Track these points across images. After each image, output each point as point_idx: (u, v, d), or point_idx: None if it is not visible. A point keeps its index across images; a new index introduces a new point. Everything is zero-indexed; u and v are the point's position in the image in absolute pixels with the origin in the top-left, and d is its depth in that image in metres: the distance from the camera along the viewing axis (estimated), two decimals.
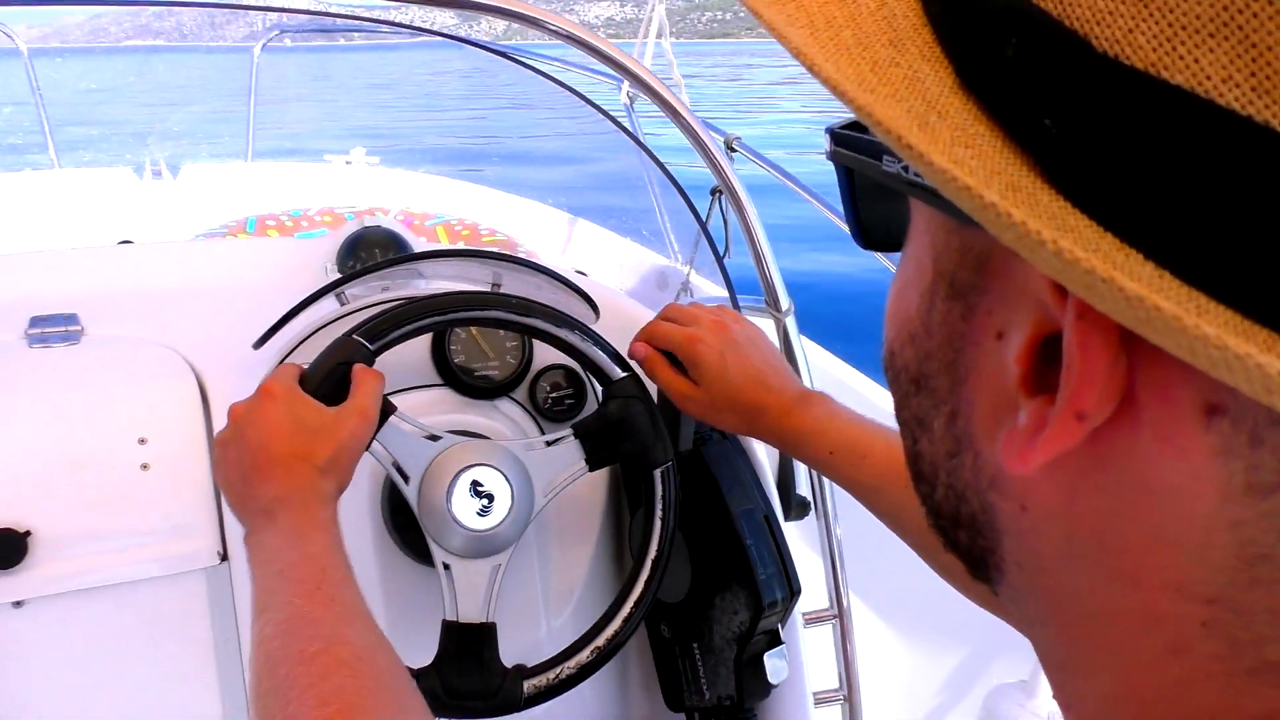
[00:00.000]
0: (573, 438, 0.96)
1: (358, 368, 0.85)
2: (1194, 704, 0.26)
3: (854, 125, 0.34)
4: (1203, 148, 0.21)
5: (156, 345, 1.08)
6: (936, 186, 0.24)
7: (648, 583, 0.95)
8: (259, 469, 0.77)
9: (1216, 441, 0.23)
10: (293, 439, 0.78)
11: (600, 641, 0.93)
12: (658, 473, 0.97)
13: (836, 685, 1.23)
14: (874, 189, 0.35)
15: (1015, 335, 0.27)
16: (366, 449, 0.88)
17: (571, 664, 0.92)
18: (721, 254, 1.46)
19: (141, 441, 1.00)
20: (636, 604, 0.95)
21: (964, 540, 0.31)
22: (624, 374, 0.97)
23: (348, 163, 3.51)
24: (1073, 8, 0.24)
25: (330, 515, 0.76)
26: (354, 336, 0.88)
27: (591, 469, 0.97)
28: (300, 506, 0.75)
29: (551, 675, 0.91)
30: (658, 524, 0.96)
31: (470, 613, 0.91)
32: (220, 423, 1.02)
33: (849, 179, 0.36)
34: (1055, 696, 0.32)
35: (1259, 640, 0.24)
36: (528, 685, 0.91)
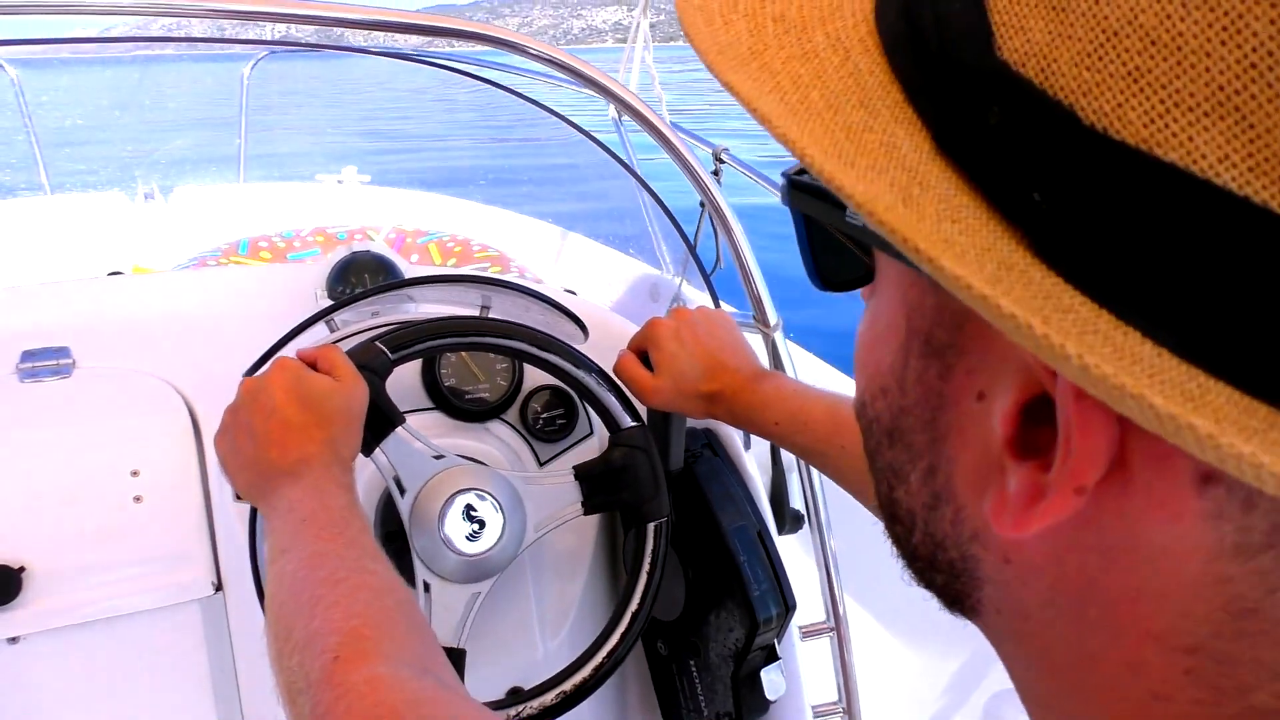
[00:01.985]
0: (572, 478, 0.97)
1: (307, 349, 0.86)
2: None
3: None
4: (1198, 227, 0.21)
5: (148, 376, 1.08)
6: (929, 274, 0.23)
7: (624, 634, 0.94)
8: (273, 434, 0.77)
9: (1209, 506, 0.23)
10: (307, 409, 0.79)
11: (567, 686, 0.92)
12: (651, 526, 0.97)
13: (835, 698, 1.22)
14: (830, 235, 0.35)
15: (999, 398, 0.26)
16: (368, 453, 0.88)
17: (535, 704, 0.90)
18: (713, 267, 1.46)
19: (134, 474, 1.00)
20: (609, 655, 0.94)
21: (940, 582, 0.32)
22: (633, 424, 0.98)
23: (339, 182, 3.51)
24: (1058, 78, 0.23)
25: (349, 479, 0.77)
26: (377, 343, 0.89)
27: (587, 513, 0.97)
28: (320, 469, 0.76)
29: (511, 712, 0.89)
30: (643, 577, 0.96)
31: (443, 635, 0.91)
32: (213, 453, 1.03)
33: (806, 225, 0.36)
34: None
35: (1243, 688, 0.25)
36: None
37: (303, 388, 0.79)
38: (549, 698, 0.91)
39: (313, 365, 0.84)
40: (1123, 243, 0.22)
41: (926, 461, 0.30)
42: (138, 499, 1.00)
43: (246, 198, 3.20)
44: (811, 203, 0.33)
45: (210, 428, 1.05)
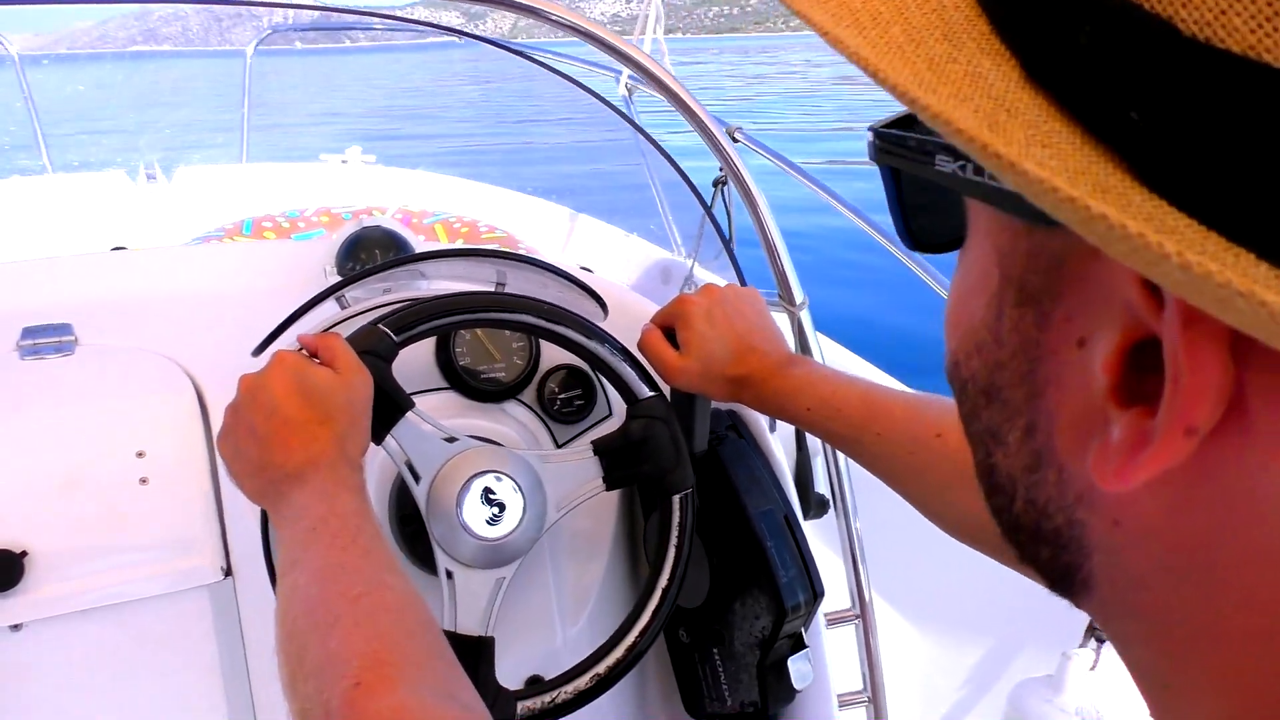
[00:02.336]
0: (591, 454, 0.93)
1: (305, 336, 0.83)
2: None
3: (899, 123, 0.32)
4: None
5: (153, 355, 1.04)
6: (1030, 197, 0.22)
7: (656, 610, 0.92)
8: (276, 434, 0.74)
9: None
10: (310, 404, 0.75)
11: (601, 669, 0.89)
12: (676, 498, 0.94)
13: (860, 686, 1.19)
14: (924, 188, 0.33)
15: (1100, 343, 0.25)
16: (379, 442, 0.85)
17: (569, 689, 0.88)
18: (719, 250, 1.42)
19: (139, 455, 0.97)
20: (642, 633, 0.91)
21: (1045, 555, 0.29)
22: (651, 394, 0.94)
23: (344, 162, 3.47)
24: None
25: (359, 481, 0.74)
26: (380, 326, 0.85)
27: (608, 488, 0.94)
28: (328, 470, 0.73)
29: (546, 699, 0.88)
30: (671, 551, 0.93)
31: (469, 624, 0.87)
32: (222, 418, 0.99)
33: (895, 180, 0.34)
34: (1151, 712, 0.30)
35: None
36: (521, 706, 0.87)
37: (304, 383, 0.76)
38: (583, 681, 0.89)
39: (314, 355, 0.81)
40: (1230, 159, 0.20)
41: (1025, 419, 0.28)
42: (143, 481, 0.96)
43: (250, 177, 3.16)
44: (898, 155, 0.31)
45: (218, 407, 1.01)
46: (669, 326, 0.96)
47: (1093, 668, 1.27)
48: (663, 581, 0.93)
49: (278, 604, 0.66)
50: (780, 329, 0.96)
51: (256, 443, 0.75)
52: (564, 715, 0.88)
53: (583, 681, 0.89)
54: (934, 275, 1.33)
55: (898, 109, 0.30)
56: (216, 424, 1.01)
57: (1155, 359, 0.23)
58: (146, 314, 1.10)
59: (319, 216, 2.70)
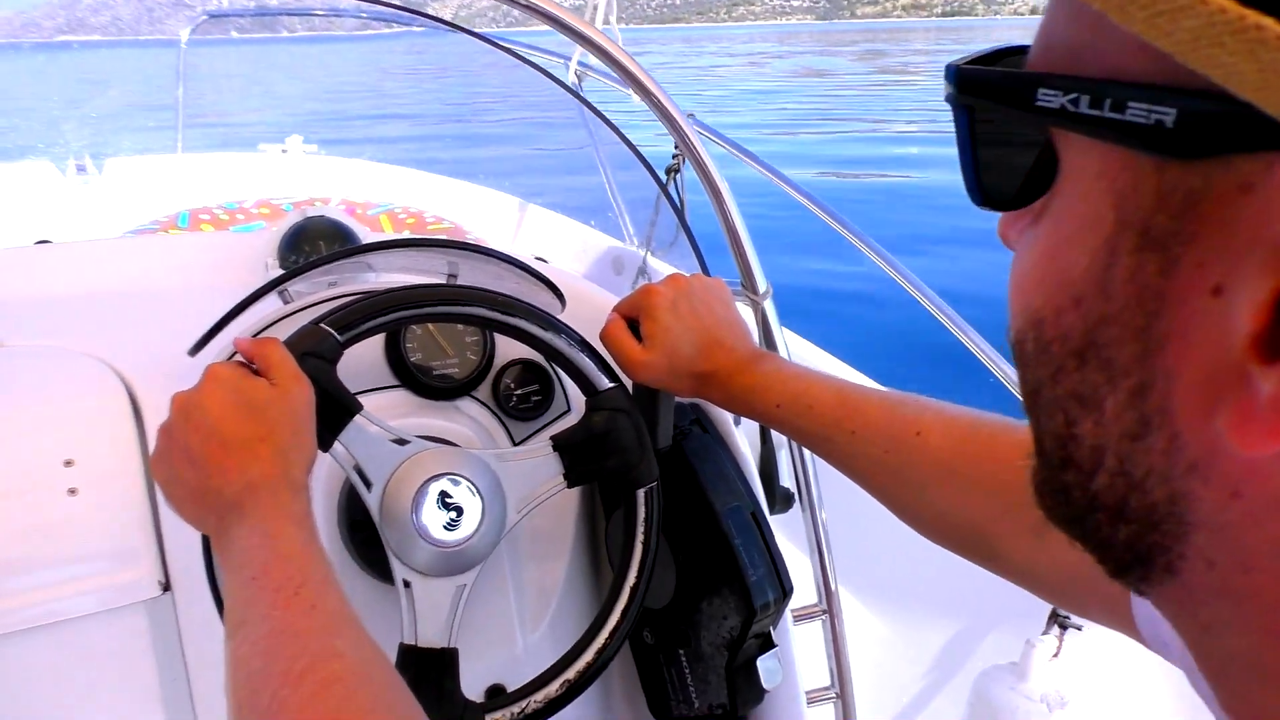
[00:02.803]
0: (551, 450, 0.89)
1: (241, 341, 0.78)
2: None
3: (981, 60, 0.28)
4: None
5: (81, 356, 0.98)
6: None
7: (625, 610, 0.89)
8: (214, 458, 0.69)
9: None
10: (249, 421, 0.70)
11: (571, 674, 0.86)
12: (641, 493, 0.90)
13: (828, 682, 1.17)
14: (1004, 138, 0.29)
15: (1244, 290, 0.22)
16: (326, 449, 0.80)
17: (539, 697, 0.85)
18: (673, 238, 1.39)
19: (68, 464, 0.91)
20: (613, 633, 0.88)
21: (1124, 536, 0.27)
22: (611, 384, 0.90)
23: (284, 151, 3.38)
24: None
25: (304, 507, 0.69)
26: (321, 325, 0.80)
27: (570, 485, 0.90)
28: (269, 497, 0.68)
29: (516, 709, 0.84)
30: (638, 548, 0.90)
31: (430, 636, 0.83)
32: (155, 439, 0.93)
33: (970, 125, 0.30)
34: (1229, 709, 0.28)
35: None
36: (489, 718, 0.83)
37: (240, 398, 0.71)
38: (553, 688, 0.85)
39: (250, 362, 0.76)
40: None
41: (1135, 379, 0.25)
42: (72, 491, 0.90)
43: (185, 168, 3.05)
44: (987, 93, 0.28)
45: (152, 411, 0.95)
46: (632, 318, 0.92)
47: (1056, 655, 1.26)
48: (630, 579, 0.89)
49: (225, 668, 0.61)
50: (747, 324, 0.93)
51: (193, 466, 0.70)
52: None
53: (553, 689, 0.85)
54: (896, 267, 1.31)
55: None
56: (151, 428, 0.95)
57: None
58: (74, 312, 1.04)
59: (259, 208, 2.61)
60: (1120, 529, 0.27)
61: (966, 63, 0.29)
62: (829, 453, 0.82)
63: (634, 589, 0.89)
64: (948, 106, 0.30)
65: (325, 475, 0.96)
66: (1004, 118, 0.28)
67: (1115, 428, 0.26)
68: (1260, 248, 0.21)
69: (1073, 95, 0.24)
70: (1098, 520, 0.27)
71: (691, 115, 1.87)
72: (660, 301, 0.89)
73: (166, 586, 0.92)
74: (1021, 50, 0.28)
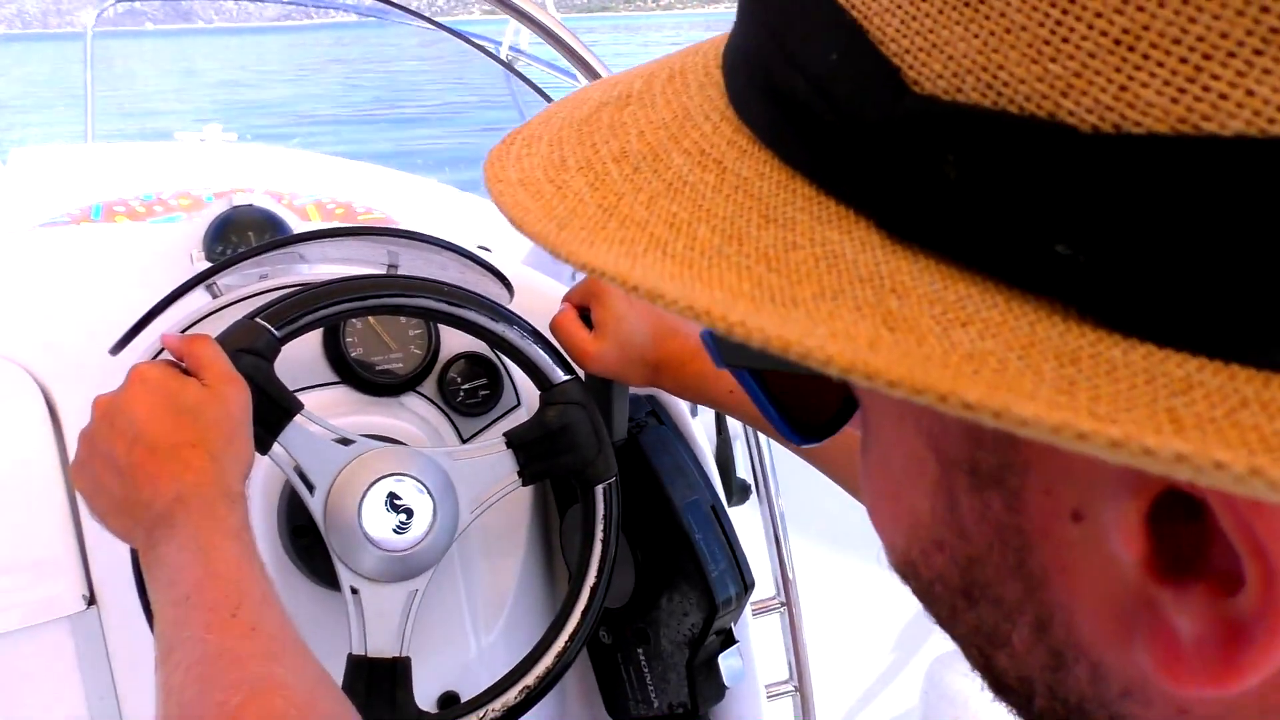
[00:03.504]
0: (504, 447, 0.85)
1: (169, 338, 0.73)
2: None
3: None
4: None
5: None
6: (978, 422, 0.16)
7: (585, 611, 0.85)
8: (141, 467, 0.64)
9: None
10: (179, 426, 0.65)
11: (530, 680, 0.83)
12: (600, 489, 0.87)
13: (786, 676, 1.15)
14: (795, 380, 0.28)
15: (1107, 511, 0.19)
16: (265, 451, 0.75)
17: (497, 705, 0.81)
18: None
19: None
20: (572, 636, 0.85)
21: None
22: (566, 377, 0.86)
23: (202, 140, 3.25)
24: (1017, 89, 0.17)
25: (240, 519, 0.64)
26: (257, 320, 0.75)
27: (525, 483, 0.86)
28: (202, 509, 0.62)
29: (473, 719, 0.80)
30: (597, 546, 0.86)
31: (381, 646, 0.79)
32: (75, 445, 0.87)
33: (759, 379, 0.28)
34: None
35: None
36: None
37: (169, 400, 0.66)
38: (511, 695, 0.81)
39: (180, 360, 0.71)
40: (1219, 260, 0.16)
41: (1030, 615, 0.22)
42: None
43: (97, 158, 2.91)
44: (759, 356, 0.25)
45: (71, 414, 0.89)
46: (583, 306, 0.89)
47: None
48: (590, 579, 0.86)
49: (156, 699, 0.55)
50: None
51: (118, 476, 0.64)
52: None
53: (511, 696, 0.81)
54: None
55: None
56: (70, 432, 0.88)
57: (1184, 508, 0.18)
58: None
59: (178, 199, 2.50)
60: None
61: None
62: (778, 436, 0.80)
63: (594, 589, 0.86)
64: None
65: (264, 478, 0.91)
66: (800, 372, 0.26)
67: (1032, 661, 0.23)
68: (1102, 466, 0.18)
69: None
70: None
71: None
72: (612, 288, 0.86)
73: (91, 600, 0.86)
74: None
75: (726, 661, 0.97)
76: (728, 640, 0.98)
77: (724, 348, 0.27)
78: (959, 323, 0.17)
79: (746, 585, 0.95)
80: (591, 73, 1.01)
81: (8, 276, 1.02)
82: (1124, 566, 0.20)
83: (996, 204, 0.17)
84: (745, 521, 1.15)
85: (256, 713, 0.51)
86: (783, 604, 1.13)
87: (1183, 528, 0.19)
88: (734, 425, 1.09)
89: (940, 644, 1.46)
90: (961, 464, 0.22)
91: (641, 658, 0.99)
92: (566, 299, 0.90)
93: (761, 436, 1.10)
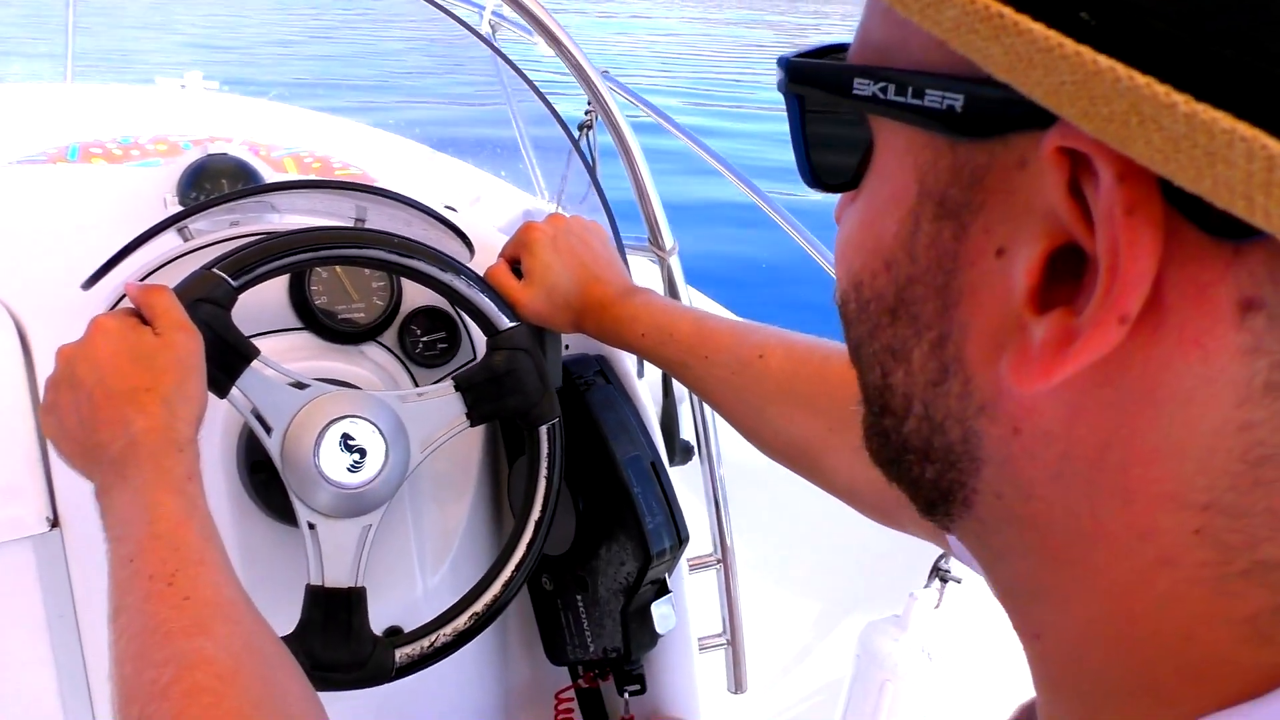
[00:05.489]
0: (453, 390, 0.90)
1: (130, 286, 0.77)
2: (1181, 612, 0.26)
3: (811, 54, 0.32)
4: None
5: None
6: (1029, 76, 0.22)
7: (530, 544, 0.91)
8: (99, 411, 0.69)
9: (1247, 340, 0.23)
10: (133, 372, 0.70)
11: (479, 607, 0.88)
12: (544, 429, 0.92)
13: (719, 629, 1.21)
14: (829, 122, 0.33)
15: (1021, 250, 0.25)
16: (224, 395, 0.80)
17: (448, 630, 0.87)
18: (585, 193, 1.39)
19: None
20: (518, 567, 0.90)
21: (930, 475, 0.30)
22: (512, 324, 0.91)
23: (183, 87, 3.24)
24: None
25: (186, 468, 0.68)
26: (214, 270, 0.79)
27: (473, 424, 0.91)
28: (151, 460, 0.67)
29: (425, 643, 0.86)
30: (541, 483, 0.92)
31: (337, 576, 0.84)
32: (44, 374, 0.91)
33: (800, 113, 0.34)
34: (1017, 629, 0.31)
35: (1253, 542, 0.24)
36: (400, 654, 0.85)
37: (125, 348, 0.71)
38: (461, 621, 0.87)
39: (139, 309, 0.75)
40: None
41: (936, 331, 0.28)
42: None
43: (75, 98, 2.90)
44: (810, 83, 0.32)
45: (41, 345, 0.92)
46: (514, 258, 0.96)
47: (937, 606, 1.33)
48: (535, 514, 0.92)
49: (110, 660, 0.60)
50: (623, 261, 0.99)
51: (79, 421, 0.70)
52: (443, 658, 0.87)
53: (461, 621, 0.87)
54: (802, 232, 1.34)
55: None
56: (40, 363, 0.92)
57: (1070, 266, 0.24)
58: None
59: (155, 145, 2.51)
60: (927, 468, 0.30)
61: (797, 56, 0.32)
62: (687, 378, 0.89)
63: (538, 523, 0.91)
64: None
65: (224, 418, 0.95)
66: (827, 104, 0.32)
67: (921, 376, 0.29)
68: (1033, 215, 0.25)
69: (882, 84, 0.27)
70: (909, 461, 0.31)
71: (606, 71, 1.87)
72: (540, 238, 0.94)
73: (54, 523, 0.90)
74: (844, 47, 0.32)
75: (659, 610, 1.03)
76: (661, 590, 1.04)
77: (791, 73, 0.32)
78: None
79: (681, 538, 1.01)
80: (558, 44, 1.05)
81: None
82: (1015, 295, 0.25)
83: None
84: (687, 482, 1.21)
85: (180, 689, 0.55)
86: (719, 561, 1.19)
87: (1057, 284, 0.25)
88: (680, 390, 1.15)
89: (872, 610, 1.53)
90: (935, 196, 0.27)
91: (580, 604, 1.05)
92: (500, 254, 0.97)
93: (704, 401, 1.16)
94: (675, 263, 1.14)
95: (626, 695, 1.07)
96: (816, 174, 0.34)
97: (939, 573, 1.36)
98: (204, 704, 0.55)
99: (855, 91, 0.28)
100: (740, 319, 0.90)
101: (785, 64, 0.32)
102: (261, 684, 0.58)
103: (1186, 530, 0.25)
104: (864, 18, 0.30)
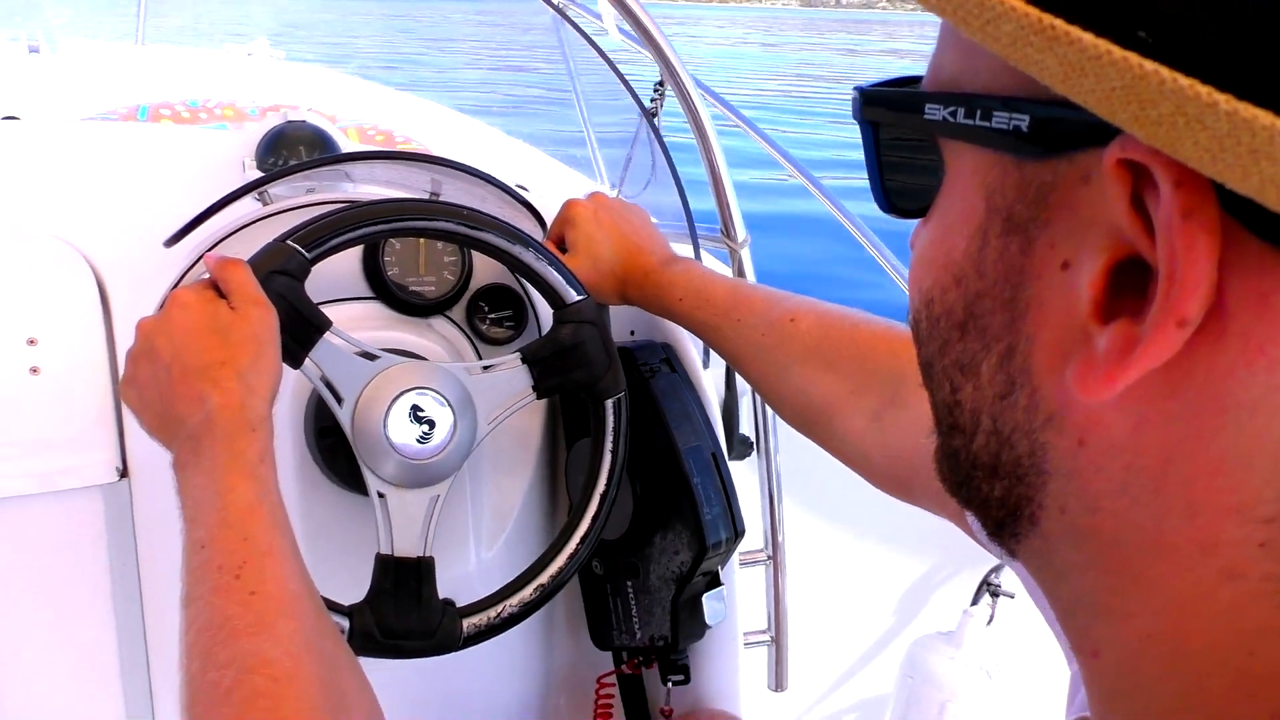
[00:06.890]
0: (520, 363, 0.90)
1: (209, 258, 0.78)
2: (1243, 627, 0.26)
3: (885, 84, 0.33)
4: None
5: (47, 237, 0.96)
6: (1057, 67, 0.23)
7: (594, 518, 0.91)
8: (176, 386, 0.70)
9: None
10: (210, 346, 0.71)
11: (544, 579, 0.89)
12: (609, 403, 0.92)
13: (764, 626, 1.21)
14: (901, 149, 0.35)
15: (1086, 263, 0.26)
16: (297, 366, 0.80)
17: (514, 601, 0.87)
18: (648, 180, 1.38)
19: (31, 342, 0.89)
20: (583, 540, 0.90)
21: (999, 492, 0.31)
22: (580, 297, 0.91)
23: (249, 55, 3.28)
24: None
25: (259, 450, 0.69)
26: (288, 243, 0.79)
27: (539, 397, 0.91)
28: (225, 440, 0.68)
29: (493, 613, 0.87)
30: (607, 457, 0.91)
31: (407, 546, 0.84)
32: (122, 327, 0.92)
33: (875, 139, 0.35)
34: (1075, 648, 0.31)
35: None
36: (467, 624, 0.86)
37: (203, 322, 0.72)
38: (527, 593, 0.88)
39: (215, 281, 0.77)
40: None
41: (1004, 344, 0.29)
42: (34, 370, 0.89)
43: (146, 60, 2.95)
44: (884, 108, 0.33)
45: (120, 299, 0.94)
46: (560, 237, 1.00)
47: (989, 622, 1.31)
48: (600, 487, 0.92)
49: (180, 649, 0.62)
50: (664, 237, 1.01)
51: (158, 394, 0.72)
52: (508, 629, 0.88)
53: (527, 593, 0.88)
54: (872, 240, 1.32)
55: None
56: (119, 316, 0.94)
57: (1133, 279, 0.25)
58: (41, 192, 1.01)
59: (222, 109, 2.54)
60: (995, 485, 0.31)
61: (873, 85, 0.34)
62: (718, 341, 0.91)
63: (603, 496, 0.92)
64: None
65: (294, 386, 0.96)
66: (901, 130, 0.34)
67: (989, 390, 0.30)
68: (1096, 228, 0.25)
69: (951, 108, 0.28)
70: (978, 479, 0.31)
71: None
72: (582, 211, 0.98)
73: (124, 473, 0.92)
74: (917, 79, 0.33)
75: (710, 602, 1.02)
76: (713, 582, 1.03)
77: (865, 100, 0.33)
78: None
79: (738, 532, 1.00)
80: (632, 17, 1.04)
81: (60, 164, 1.07)
82: (1080, 306, 0.26)
83: None
84: (744, 477, 1.20)
85: (241, 694, 0.57)
86: (769, 557, 1.18)
87: (1122, 297, 0.25)
88: (742, 384, 1.14)
89: (925, 624, 1.51)
90: (1002, 212, 0.28)
91: (630, 590, 1.04)
92: (546, 235, 1.00)
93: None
94: (746, 255, 1.13)
95: (670, 685, 1.06)
96: (890, 199, 0.35)
97: (989, 587, 1.34)
98: (260, 709, 0.56)
99: (927, 116, 0.29)
100: (776, 289, 0.92)
101: (861, 92, 0.33)
102: (319, 685, 0.59)
103: (1252, 543, 0.25)
104: (935, 51, 0.31)
